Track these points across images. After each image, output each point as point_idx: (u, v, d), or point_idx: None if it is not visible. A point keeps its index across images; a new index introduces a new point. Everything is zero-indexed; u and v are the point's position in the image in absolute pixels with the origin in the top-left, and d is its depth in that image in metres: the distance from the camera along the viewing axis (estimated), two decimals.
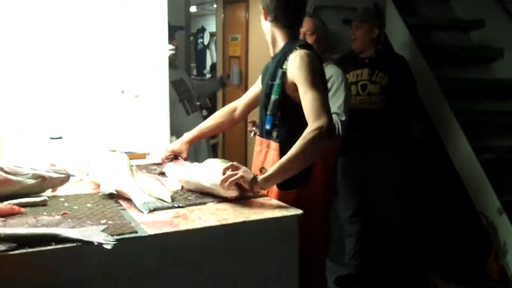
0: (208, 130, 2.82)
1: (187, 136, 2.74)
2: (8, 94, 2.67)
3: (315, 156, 2.18)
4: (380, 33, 3.87)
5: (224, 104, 6.80)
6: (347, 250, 4.09)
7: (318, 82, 2.25)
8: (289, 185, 2.26)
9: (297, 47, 2.32)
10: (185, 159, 2.65)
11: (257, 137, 2.53)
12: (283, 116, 2.35)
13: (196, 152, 4.14)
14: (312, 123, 2.12)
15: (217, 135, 6.58)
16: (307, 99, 2.19)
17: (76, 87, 2.82)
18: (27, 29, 2.67)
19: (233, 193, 2.06)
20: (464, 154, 3.96)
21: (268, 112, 2.36)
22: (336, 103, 3.27)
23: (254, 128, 2.80)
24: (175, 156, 2.67)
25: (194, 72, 11.75)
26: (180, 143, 2.71)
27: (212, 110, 5.03)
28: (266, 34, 2.49)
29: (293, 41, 2.40)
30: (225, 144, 6.57)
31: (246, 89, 6.33)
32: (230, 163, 2.13)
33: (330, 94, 3.23)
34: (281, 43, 2.42)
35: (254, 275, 1.89)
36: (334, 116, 3.17)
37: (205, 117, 4.60)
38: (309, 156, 2.14)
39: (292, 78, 2.27)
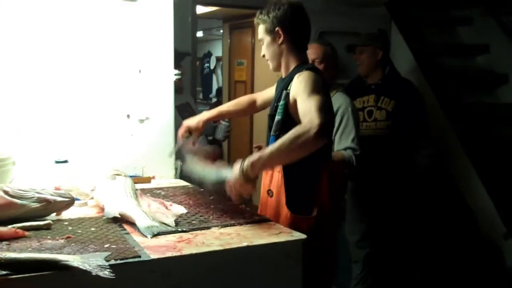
0: (226, 113, 2.93)
1: (205, 114, 2.79)
2: (15, 116, 2.69)
3: (299, 152, 2.07)
4: (384, 55, 3.89)
5: (230, 99, 6.82)
6: (354, 275, 4.05)
7: (318, 91, 2.20)
8: (302, 209, 2.29)
9: (304, 70, 2.33)
10: (198, 137, 2.74)
11: None
12: None
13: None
14: (304, 121, 2.07)
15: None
16: (303, 104, 2.16)
17: (82, 110, 2.83)
18: (34, 53, 2.69)
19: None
20: (471, 178, 3.95)
21: (272, 133, 2.37)
22: (348, 137, 3.26)
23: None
24: (190, 133, 2.74)
25: (201, 96, 11.82)
26: (197, 121, 2.75)
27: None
28: (272, 58, 2.48)
29: (302, 64, 2.42)
30: (230, 150, 6.59)
31: (251, 122, 6.36)
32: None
33: (341, 127, 3.25)
34: (292, 65, 2.44)
35: None
36: (349, 152, 3.18)
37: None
38: (293, 150, 2.05)
39: (294, 96, 2.28)
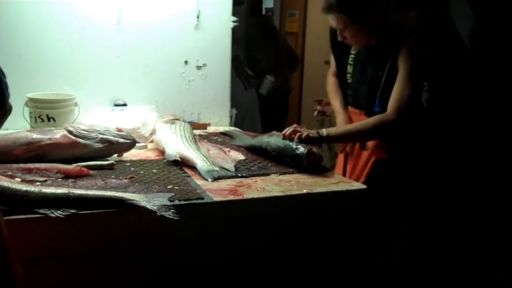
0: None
1: (344, 120, 2.60)
2: (77, 59, 2.73)
3: (372, 137, 2.37)
4: None
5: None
6: None
7: (417, 77, 2.26)
8: None
9: (411, 42, 2.25)
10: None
11: (354, 109, 2.53)
12: None
13: (253, 126, 4.16)
14: (390, 111, 2.21)
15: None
16: (399, 86, 2.22)
17: (140, 56, 2.85)
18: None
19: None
20: None
21: (378, 96, 2.33)
22: None
23: (318, 107, 2.80)
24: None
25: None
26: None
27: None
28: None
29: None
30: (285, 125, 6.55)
31: (302, 64, 6.29)
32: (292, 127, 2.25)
33: None
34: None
35: (316, 247, 1.89)
36: None
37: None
38: (369, 136, 2.34)
39: (398, 64, 2.24)
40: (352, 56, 2.47)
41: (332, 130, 2.28)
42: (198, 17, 2.91)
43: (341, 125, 2.52)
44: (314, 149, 2.10)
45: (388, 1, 2.37)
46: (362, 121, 2.32)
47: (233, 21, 3.01)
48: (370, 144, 2.41)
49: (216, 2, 2.95)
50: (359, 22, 2.24)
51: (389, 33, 2.30)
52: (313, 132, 2.20)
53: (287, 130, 2.22)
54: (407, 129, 2.32)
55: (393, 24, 2.33)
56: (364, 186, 1.97)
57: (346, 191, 1.91)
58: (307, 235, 1.87)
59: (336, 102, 2.64)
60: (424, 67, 2.31)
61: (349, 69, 2.49)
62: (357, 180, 2.30)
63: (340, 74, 2.58)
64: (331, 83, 2.70)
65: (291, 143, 2.16)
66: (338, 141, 2.46)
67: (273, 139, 2.26)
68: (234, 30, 3.04)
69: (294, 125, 2.27)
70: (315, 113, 2.90)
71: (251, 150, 2.39)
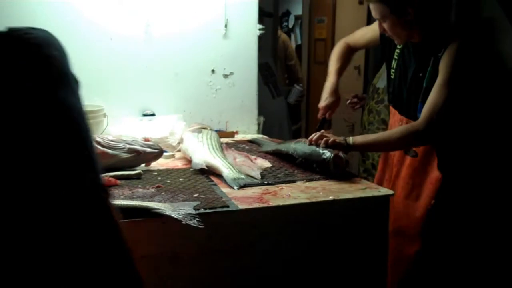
0: (342, 71, 2.71)
1: (332, 83, 2.62)
2: (106, 70, 2.78)
3: (401, 148, 2.34)
4: None
5: (310, 57, 6.72)
6: None
7: (455, 82, 2.13)
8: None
9: (459, 41, 2.15)
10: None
11: (392, 108, 2.49)
12: None
13: (281, 134, 4.15)
14: (421, 120, 2.14)
15: (300, 121, 6.54)
16: (434, 92, 2.13)
17: (168, 65, 2.88)
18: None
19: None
20: None
21: (420, 100, 2.25)
22: None
23: (353, 99, 2.79)
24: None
25: None
26: (331, 96, 2.61)
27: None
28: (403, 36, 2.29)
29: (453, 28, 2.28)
30: (308, 129, 6.53)
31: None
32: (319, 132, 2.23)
33: None
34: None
35: (342, 254, 1.87)
36: None
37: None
38: (397, 146, 2.30)
39: (440, 67, 2.16)
40: (398, 51, 2.39)
41: (359, 139, 2.24)
42: (226, 26, 2.93)
43: (326, 90, 2.57)
44: (341, 154, 2.09)
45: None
46: (390, 130, 2.28)
47: (259, 29, 3.02)
48: (419, 151, 2.33)
49: (243, 10, 2.97)
50: (398, 14, 2.15)
51: (435, 31, 2.22)
52: (340, 139, 2.18)
53: (314, 136, 2.20)
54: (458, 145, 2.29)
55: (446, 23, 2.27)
56: (392, 192, 1.95)
57: (373, 197, 1.89)
58: (334, 242, 1.86)
59: (333, 66, 2.63)
60: (465, 76, 2.16)
61: (394, 64, 2.41)
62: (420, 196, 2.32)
63: (386, 68, 2.51)
64: (341, 46, 2.68)
65: (317, 149, 2.15)
66: (365, 149, 2.44)
67: (299, 145, 2.26)
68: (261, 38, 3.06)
69: (322, 131, 2.26)
70: (347, 102, 2.89)
71: (278, 155, 2.39)
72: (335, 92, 2.61)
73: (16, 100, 0.92)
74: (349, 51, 2.71)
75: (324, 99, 2.61)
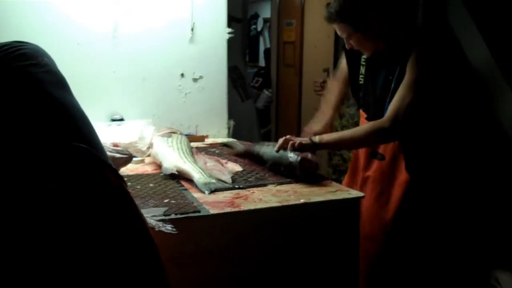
0: (331, 121, 2.72)
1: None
2: (73, 73, 2.73)
3: (367, 145, 2.37)
4: None
5: (279, 60, 6.74)
6: None
7: (419, 85, 2.17)
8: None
9: (421, 45, 2.21)
10: None
11: (363, 112, 2.50)
12: None
13: (250, 137, 4.16)
14: (386, 118, 2.18)
15: (270, 124, 6.56)
16: (399, 93, 2.18)
17: (136, 69, 2.85)
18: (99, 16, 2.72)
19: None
20: None
21: (388, 100, 2.27)
22: None
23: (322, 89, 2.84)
24: None
25: (247, 58, 11.74)
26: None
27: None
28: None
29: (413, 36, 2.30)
30: (278, 132, 6.55)
31: (300, 73, 6.30)
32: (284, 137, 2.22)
33: None
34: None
35: (314, 256, 1.88)
36: None
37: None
38: (363, 142, 2.32)
39: (407, 69, 2.20)
40: (364, 57, 2.42)
41: (325, 137, 2.25)
42: (192, 29, 2.92)
43: (317, 120, 2.59)
44: (310, 156, 2.09)
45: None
46: (355, 128, 2.31)
47: (228, 33, 3.02)
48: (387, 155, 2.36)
49: (210, 14, 2.95)
50: (362, 30, 2.20)
51: (398, 39, 2.26)
52: (306, 140, 2.19)
53: (279, 142, 2.20)
54: (425, 145, 2.33)
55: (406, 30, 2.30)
56: (362, 194, 1.96)
57: (344, 200, 1.91)
58: (305, 245, 1.86)
59: (326, 103, 2.66)
60: (431, 76, 2.22)
61: (362, 70, 2.44)
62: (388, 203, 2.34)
63: (352, 76, 2.51)
64: (333, 85, 2.71)
65: (286, 152, 2.15)
66: (331, 147, 2.46)
67: (269, 149, 2.26)
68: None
69: (288, 136, 2.26)
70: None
71: (249, 158, 2.40)
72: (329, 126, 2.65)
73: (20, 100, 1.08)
74: (342, 87, 2.69)
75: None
